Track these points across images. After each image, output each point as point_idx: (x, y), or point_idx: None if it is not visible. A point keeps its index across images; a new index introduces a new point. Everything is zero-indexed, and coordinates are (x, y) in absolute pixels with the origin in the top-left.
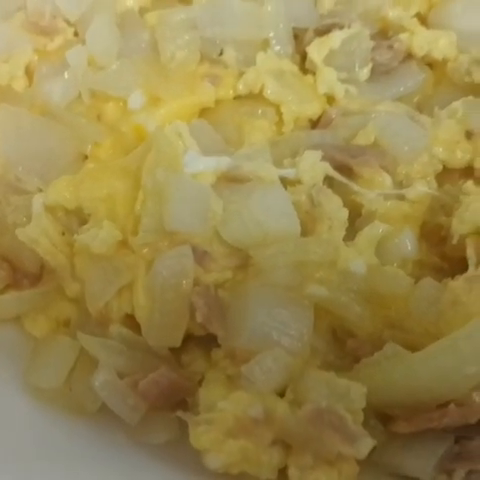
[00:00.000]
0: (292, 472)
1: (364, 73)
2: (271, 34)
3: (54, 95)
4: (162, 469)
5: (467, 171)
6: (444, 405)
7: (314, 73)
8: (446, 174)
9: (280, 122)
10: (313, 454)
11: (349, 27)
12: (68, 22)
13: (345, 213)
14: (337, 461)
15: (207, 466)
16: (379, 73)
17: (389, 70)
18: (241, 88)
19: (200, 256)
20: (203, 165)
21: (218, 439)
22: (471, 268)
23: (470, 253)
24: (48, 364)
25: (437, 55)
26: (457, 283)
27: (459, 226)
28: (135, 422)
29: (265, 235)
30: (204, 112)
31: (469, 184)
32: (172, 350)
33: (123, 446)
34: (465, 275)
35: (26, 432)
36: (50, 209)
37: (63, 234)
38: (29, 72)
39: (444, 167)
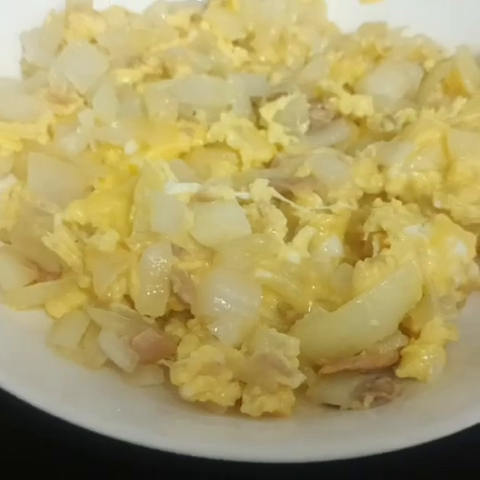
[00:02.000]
0: (245, 399)
1: (304, 127)
2: (233, 101)
3: (69, 146)
4: (150, 401)
5: (380, 195)
6: (358, 353)
7: (266, 128)
8: (366, 198)
9: (240, 163)
10: (260, 386)
11: (292, 94)
12: (79, 94)
13: (284, 220)
14: (278, 390)
15: (183, 396)
16: (315, 128)
17: (323, 125)
18: (209, 138)
19: (177, 251)
20: (179, 189)
21: (191, 377)
22: (374, 254)
23: (374, 244)
24: (66, 330)
25: (359, 113)
26: (363, 263)
27: (368, 227)
28: (131, 370)
29: (225, 236)
30: (181, 156)
31: (378, 200)
32: (158, 321)
33: (122, 387)
34: (369, 258)
35: (52, 377)
36: (67, 224)
37: (76, 241)
38: (50, 130)
39: (364, 193)
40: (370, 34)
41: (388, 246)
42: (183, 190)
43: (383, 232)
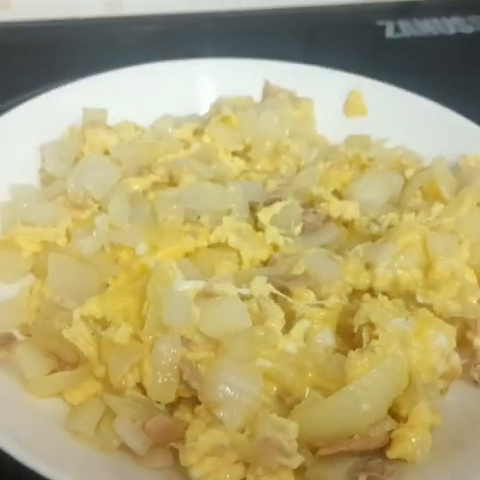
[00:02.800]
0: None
1: (297, 229)
2: (233, 205)
3: (86, 247)
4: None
5: (368, 291)
6: (352, 436)
7: (263, 230)
8: (355, 293)
9: (240, 262)
10: (262, 467)
11: (286, 200)
12: (94, 200)
13: (281, 314)
14: (278, 471)
15: (192, 477)
16: (308, 230)
17: (315, 227)
18: (212, 239)
19: (185, 342)
20: (187, 286)
21: (199, 458)
22: (364, 344)
23: (364, 335)
24: (84, 416)
25: (347, 217)
26: (354, 353)
27: (357, 320)
28: (143, 453)
29: (228, 329)
30: (187, 255)
31: (366, 295)
32: (167, 407)
33: (135, 469)
34: (359, 348)
35: (71, 459)
36: (84, 318)
37: (93, 334)
38: (68, 233)
39: (353, 289)
40: (355, 146)
41: (376, 337)
42: (190, 287)
43: (371, 324)
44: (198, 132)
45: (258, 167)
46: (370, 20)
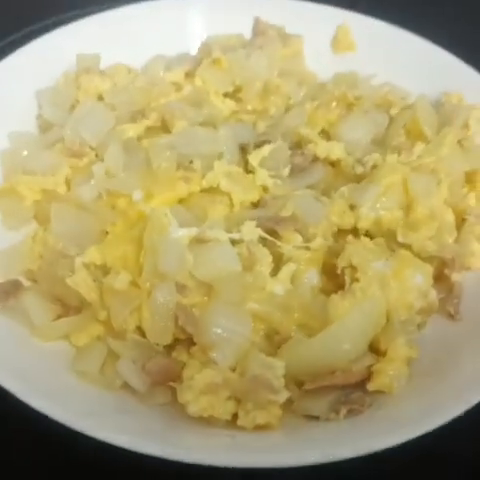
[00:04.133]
0: (240, 414)
1: (286, 171)
2: (224, 148)
3: (84, 195)
4: (161, 417)
5: (353, 231)
6: (334, 372)
7: (253, 173)
8: (340, 233)
9: (231, 205)
10: (252, 402)
11: (275, 142)
12: (91, 147)
13: (270, 258)
14: (267, 406)
15: (188, 413)
16: (296, 171)
17: (303, 168)
18: (204, 184)
19: (180, 288)
20: (181, 233)
21: (195, 396)
22: (346, 286)
23: (346, 278)
24: (88, 358)
25: (333, 157)
26: (336, 296)
27: (340, 262)
28: (144, 391)
29: (220, 273)
30: (181, 201)
31: (350, 237)
32: (165, 348)
33: (136, 406)
34: (341, 291)
35: (76, 397)
36: (85, 265)
37: (94, 281)
38: (67, 181)
39: (338, 229)
40: (342, 84)
41: (357, 280)
42: (184, 234)
43: (353, 267)
44: (190, 74)
45: (248, 107)
46: None
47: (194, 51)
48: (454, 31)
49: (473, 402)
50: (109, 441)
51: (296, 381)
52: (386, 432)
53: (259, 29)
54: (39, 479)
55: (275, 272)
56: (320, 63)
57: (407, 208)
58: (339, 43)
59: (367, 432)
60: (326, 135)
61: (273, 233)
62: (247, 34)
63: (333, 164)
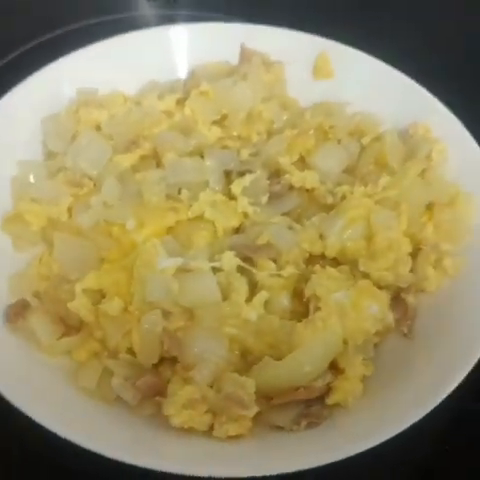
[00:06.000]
0: (215, 426)
1: (264, 199)
2: (210, 178)
3: (84, 223)
4: (147, 425)
5: (322, 257)
6: (297, 388)
7: (235, 199)
8: (311, 259)
9: (215, 231)
10: (226, 416)
11: (255, 172)
12: (90, 177)
13: (246, 287)
14: (239, 419)
15: (172, 424)
16: (274, 198)
17: (279, 196)
18: (190, 214)
19: (166, 315)
20: (167, 263)
21: (177, 409)
22: (310, 315)
23: (311, 306)
24: (86, 374)
25: (308, 186)
26: (300, 324)
27: (307, 291)
28: (134, 404)
29: (201, 300)
30: (169, 229)
31: (317, 267)
32: (153, 365)
33: (128, 417)
34: (306, 319)
35: (75, 409)
36: (84, 291)
37: (92, 304)
38: (69, 208)
39: (310, 255)
40: (319, 114)
41: (320, 308)
42: (170, 264)
43: (317, 297)
44: (180, 102)
45: (234, 133)
46: None
47: (184, 75)
48: (424, 62)
49: (421, 415)
50: (98, 452)
51: (265, 396)
52: (337, 445)
53: (244, 55)
54: None
55: (250, 299)
56: (301, 89)
57: (368, 239)
58: (319, 70)
59: (321, 444)
60: (303, 163)
61: (250, 260)
62: (233, 59)
63: (308, 192)
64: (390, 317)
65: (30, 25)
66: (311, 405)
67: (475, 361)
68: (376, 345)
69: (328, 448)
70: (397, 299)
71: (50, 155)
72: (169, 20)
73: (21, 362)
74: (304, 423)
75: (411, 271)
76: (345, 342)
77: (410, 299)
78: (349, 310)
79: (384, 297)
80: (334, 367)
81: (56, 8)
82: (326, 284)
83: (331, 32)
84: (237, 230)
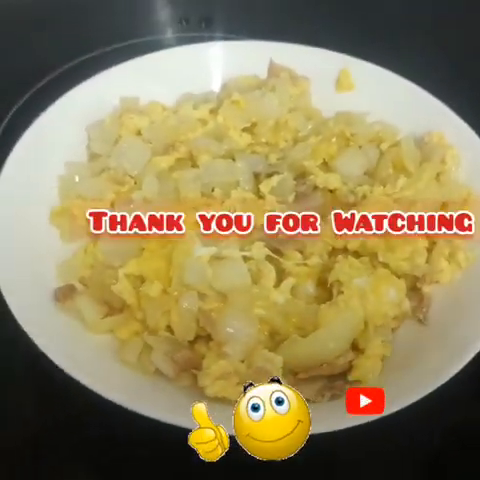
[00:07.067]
0: None
1: (291, 198)
2: (240, 178)
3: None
4: (184, 395)
5: (344, 250)
6: (321, 364)
7: (264, 198)
8: (334, 251)
9: None
10: None
11: (282, 173)
12: (131, 176)
13: (273, 273)
14: None
15: (206, 394)
16: (299, 198)
17: (305, 195)
18: (223, 209)
19: (201, 296)
20: (203, 252)
21: (211, 381)
22: (333, 298)
23: (334, 291)
24: (129, 349)
25: (331, 187)
26: (325, 305)
27: (330, 278)
28: (172, 376)
29: (233, 285)
30: None
31: (340, 257)
32: (189, 342)
33: (166, 386)
34: (329, 302)
35: (120, 379)
36: (126, 275)
37: (134, 288)
38: (112, 204)
39: (333, 248)
40: (341, 122)
41: (342, 292)
42: (205, 252)
43: (340, 282)
44: (213, 111)
45: (262, 140)
46: None
47: (217, 88)
48: (439, 77)
49: (430, 390)
50: (143, 413)
51: (292, 371)
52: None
53: (273, 71)
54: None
55: (278, 284)
56: (324, 101)
57: (387, 234)
58: (341, 84)
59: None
60: (326, 166)
61: (277, 251)
62: (262, 73)
63: (331, 191)
64: (407, 304)
65: (72, 46)
66: (334, 380)
67: None
68: (394, 330)
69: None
70: (414, 289)
71: (94, 157)
72: (200, 41)
73: (69, 337)
74: (328, 395)
75: (426, 263)
76: (366, 324)
77: (425, 289)
78: (369, 294)
79: (401, 284)
80: (355, 348)
81: (93, 31)
82: (348, 271)
83: (351, 49)
84: None
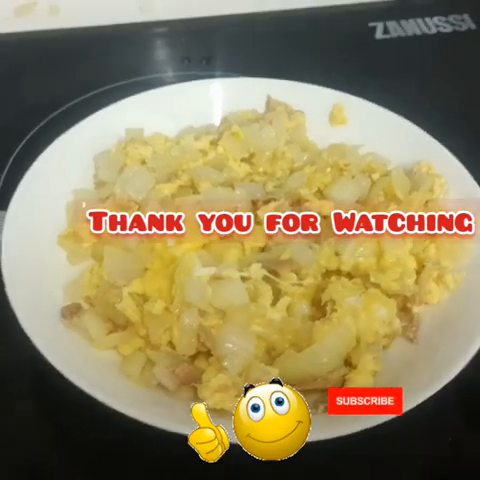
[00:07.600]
0: None
1: None
2: (239, 205)
3: (130, 240)
4: (184, 407)
5: (337, 272)
6: (316, 379)
7: (261, 224)
8: (327, 273)
9: (243, 250)
10: None
11: (279, 200)
12: (135, 202)
13: (270, 292)
14: None
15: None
16: None
17: None
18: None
19: (201, 313)
20: (203, 272)
21: (211, 394)
22: (327, 316)
23: (327, 309)
24: (132, 364)
25: (325, 212)
26: (319, 322)
27: (324, 297)
28: (173, 389)
29: (232, 304)
30: (204, 246)
31: (333, 278)
32: (190, 357)
33: (167, 399)
34: (323, 319)
35: (123, 393)
36: (130, 294)
37: (137, 306)
38: None
39: (326, 270)
40: (335, 153)
41: (336, 310)
42: (205, 273)
43: (333, 301)
44: (214, 142)
45: (260, 170)
46: (362, 22)
47: (217, 122)
48: (428, 111)
49: (419, 402)
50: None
51: (287, 384)
52: (348, 421)
53: (270, 105)
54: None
55: (274, 303)
56: (319, 134)
57: (379, 256)
58: (334, 118)
59: (336, 422)
60: (321, 194)
61: (274, 272)
62: (260, 108)
63: (325, 217)
64: (397, 323)
65: (80, 85)
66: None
67: (467, 361)
68: (385, 347)
69: (340, 424)
70: (404, 309)
71: (100, 184)
72: (201, 78)
73: (76, 353)
74: (321, 407)
75: (416, 284)
76: (358, 341)
77: (415, 309)
78: (361, 312)
79: (392, 304)
80: (348, 364)
81: (100, 72)
82: (341, 291)
83: (344, 87)
84: (262, 250)
